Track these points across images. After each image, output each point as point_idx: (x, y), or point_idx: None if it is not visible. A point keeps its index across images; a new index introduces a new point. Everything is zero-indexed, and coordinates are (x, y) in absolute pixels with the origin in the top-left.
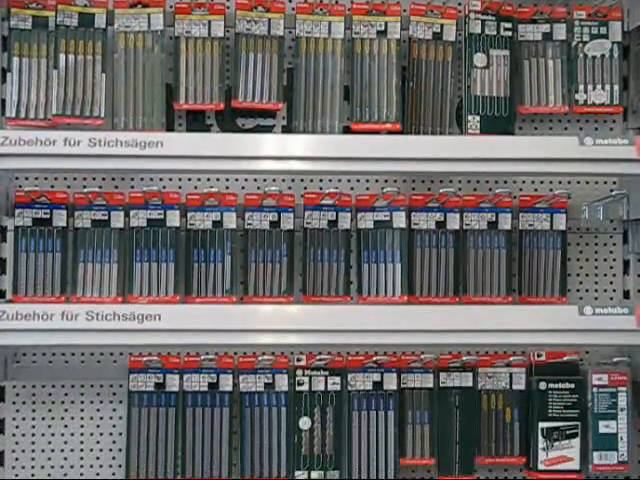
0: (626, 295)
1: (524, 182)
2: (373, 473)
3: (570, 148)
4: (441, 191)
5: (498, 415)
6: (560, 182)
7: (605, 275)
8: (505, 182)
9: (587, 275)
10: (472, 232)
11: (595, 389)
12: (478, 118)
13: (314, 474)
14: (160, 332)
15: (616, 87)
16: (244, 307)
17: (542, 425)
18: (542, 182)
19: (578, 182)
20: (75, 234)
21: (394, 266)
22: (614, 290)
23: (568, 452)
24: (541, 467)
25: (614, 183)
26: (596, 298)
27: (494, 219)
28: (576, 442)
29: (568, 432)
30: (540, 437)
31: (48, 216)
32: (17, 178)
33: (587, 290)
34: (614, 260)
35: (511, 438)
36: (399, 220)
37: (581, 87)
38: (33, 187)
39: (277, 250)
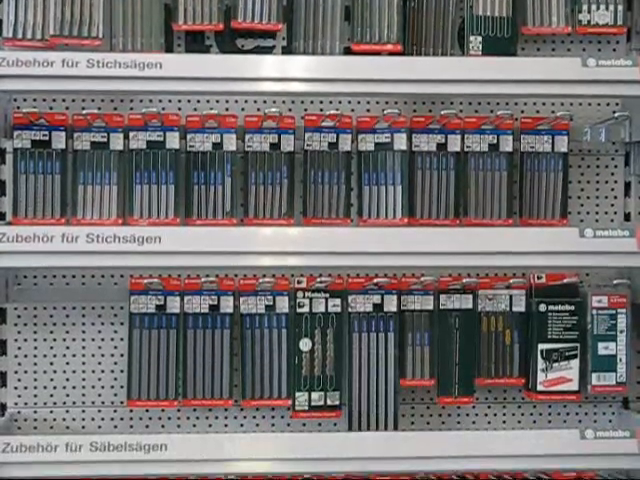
0: (627, 217)
1: (526, 104)
2: (373, 394)
3: (573, 69)
4: (442, 113)
5: (498, 337)
6: (562, 104)
7: (606, 197)
8: (507, 104)
9: (588, 197)
10: (473, 154)
11: (595, 311)
12: (480, 39)
13: (314, 395)
14: (160, 254)
15: (620, 7)
16: (244, 229)
17: (541, 347)
18: (544, 104)
19: (580, 104)
20: (74, 156)
21: (395, 188)
22: (615, 212)
23: (567, 373)
24: (540, 388)
25: (617, 105)
26: (597, 220)
27: (495, 141)
28: (575, 363)
29: (567, 353)
30: (539, 358)
31: (47, 138)
32: (15, 99)
33: (588, 212)
34: (615, 182)
35: (510, 359)
36: (400, 142)
37: (584, 7)
38: (31, 109)
39: (277, 172)
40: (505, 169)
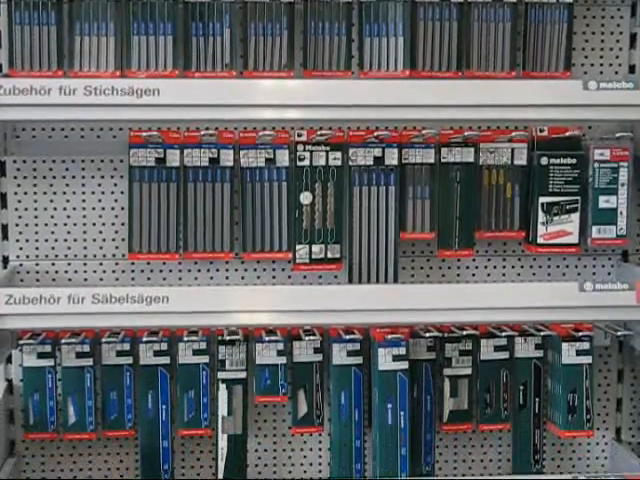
0: (632, 70)
1: None
2: (373, 246)
3: None
4: None
5: (499, 190)
6: None
7: (611, 49)
8: None
9: (593, 49)
10: (477, 5)
11: (596, 164)
12: None
13: (315, 248)
14: (159, 107)
15: None
16: (244, 81)
17: (542, 200)
18: None
19: None
20: (70, 6)
21: (396, 40)
22: (620, 65)
23: (567, 226)
24: (540, 241)
25: None
26: (601, 72)
27: None
28: (575, 217)
29: (568, 207)
30: (540, 212)
31: None
32: None
33: (592, 64)
34: (621, 34)
35: (511, 213)
36: None
37: None
38: None
39: (277, 23)
40: (509, 20)
